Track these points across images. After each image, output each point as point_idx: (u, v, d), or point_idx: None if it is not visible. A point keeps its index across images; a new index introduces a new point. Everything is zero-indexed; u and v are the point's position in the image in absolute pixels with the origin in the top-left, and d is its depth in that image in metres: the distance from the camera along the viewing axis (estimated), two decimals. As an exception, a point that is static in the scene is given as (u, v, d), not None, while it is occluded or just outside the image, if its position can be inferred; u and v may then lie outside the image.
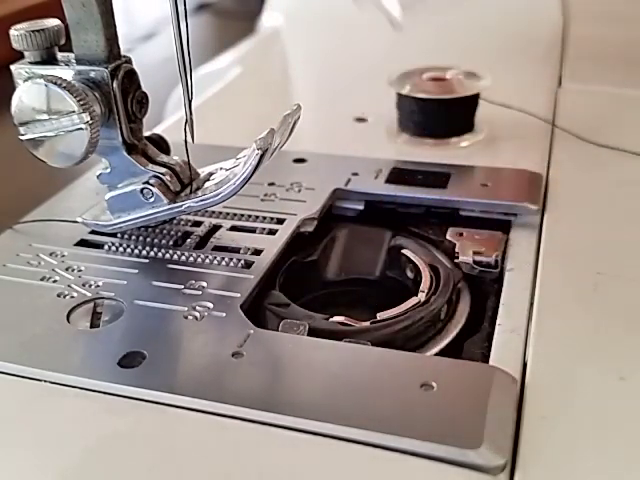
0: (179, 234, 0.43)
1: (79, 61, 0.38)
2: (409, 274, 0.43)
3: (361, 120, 0.60)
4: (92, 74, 0.38)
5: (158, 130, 0.44)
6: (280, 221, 0.44)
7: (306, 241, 0.44)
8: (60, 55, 0.39)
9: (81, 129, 0.36)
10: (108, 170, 0.41)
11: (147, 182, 0.40)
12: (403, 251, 0.43)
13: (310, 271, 0.44)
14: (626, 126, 0.56)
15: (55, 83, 0.36)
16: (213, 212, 0.45)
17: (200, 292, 0.37)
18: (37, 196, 0.49)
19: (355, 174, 0.49)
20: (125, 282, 0.39)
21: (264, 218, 0.44)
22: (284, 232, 0.43)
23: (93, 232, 0.43)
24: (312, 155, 0.52)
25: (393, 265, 0.44)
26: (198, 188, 0.40)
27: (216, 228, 0.44)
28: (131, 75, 0.39)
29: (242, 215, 0.45)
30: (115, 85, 0.38)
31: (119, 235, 0.43)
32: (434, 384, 0.30)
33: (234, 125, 0.61)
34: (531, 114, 0.57)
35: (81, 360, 0.33)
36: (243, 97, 0.70)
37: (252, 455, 0.28)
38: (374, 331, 0.36)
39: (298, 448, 0.28)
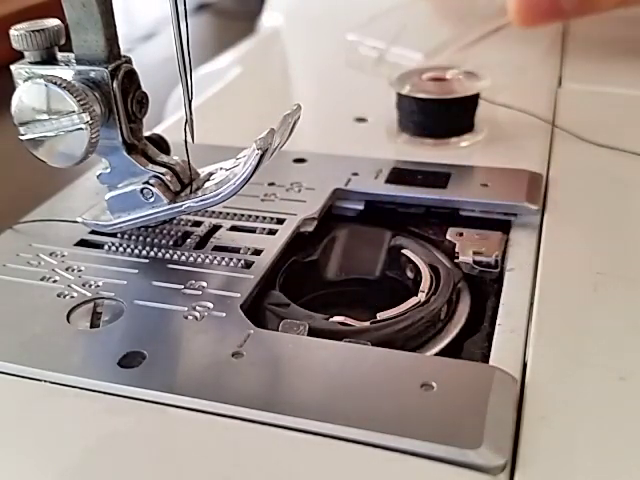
0: (179, 234, 0.43)
1: (79, 61, 0.38)
2: (409, 274, 0.43)
3: (361, 120, 0.60)
4: (92, 74, 0.38)
5: (158, 130, 0.44)
6: (280, 221, 0.44)
7: (306, 241, 0.44)
8: (60, 55, 0.39)
9: (81, 129, 0.36)
10: (108, 170, 0.41)
11: (147, 182, 0.40)
12: (403, 251, 0.43)
13: (310, 271, 0.44)
14: (626, 126, 0.56)
15: (55, 83, 0.36)
16: (213, 212, 0.45)
17: (200, 292, 0.37)
18: (37, 196, 0.49)
19: (355, 174, 0.49)
20: (125, 282, 0.39)
21: (264, 218, 0.44)
22: (284, 232, 0.43)
23: (93, 232, 0.43)
24: (312, 155, 0.52)
25: (393, 265, 0.44)
26: (198, 188, 0.40)
27: (216, 228, 0.44)
28: (131, 75, 0.39)
29: (242, 215, 0.45)
30: (115, 85, 0.38)
31: (119, 235, 0.43)
32: (434, 384, 0.30)
33: (234, 125, 0.61)
34: (531, 114, 0.57)
35: (81, 360, 0.33)
36: (243, 97, 0.69)
37: (252, 455, 0.28)
38: (374, 331, 0.36)
39: (298, 448, 0.28)
